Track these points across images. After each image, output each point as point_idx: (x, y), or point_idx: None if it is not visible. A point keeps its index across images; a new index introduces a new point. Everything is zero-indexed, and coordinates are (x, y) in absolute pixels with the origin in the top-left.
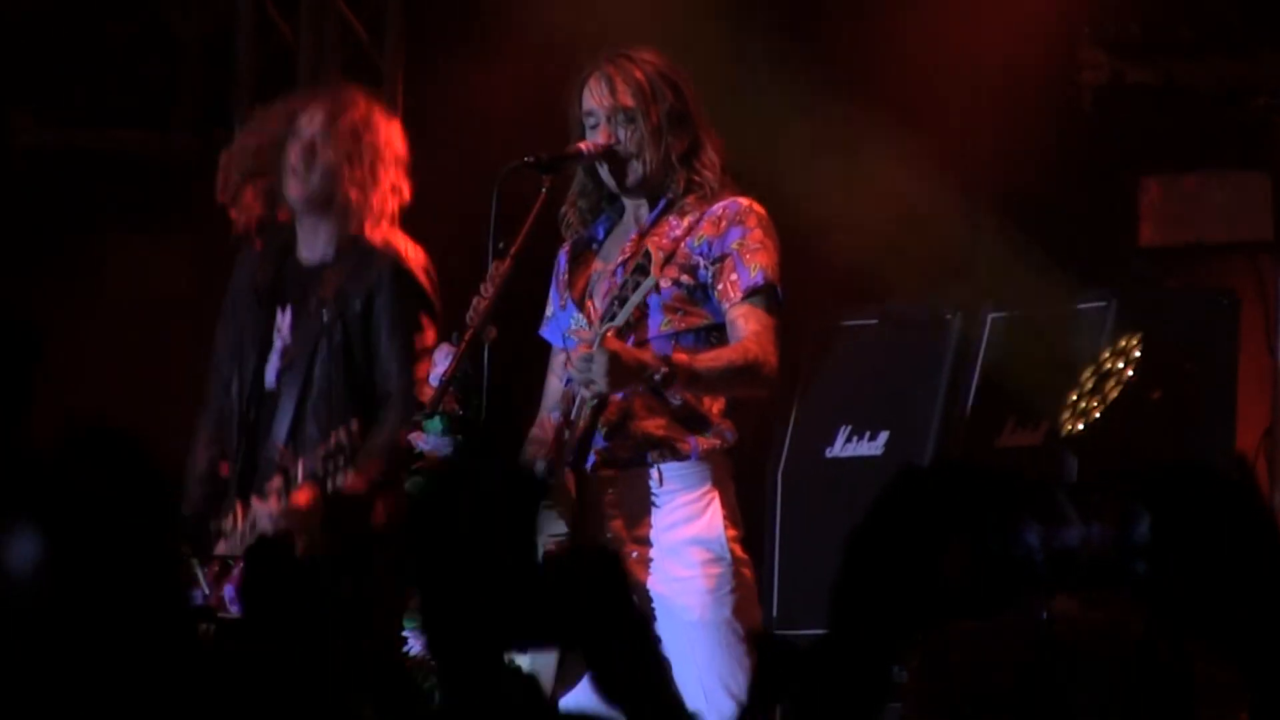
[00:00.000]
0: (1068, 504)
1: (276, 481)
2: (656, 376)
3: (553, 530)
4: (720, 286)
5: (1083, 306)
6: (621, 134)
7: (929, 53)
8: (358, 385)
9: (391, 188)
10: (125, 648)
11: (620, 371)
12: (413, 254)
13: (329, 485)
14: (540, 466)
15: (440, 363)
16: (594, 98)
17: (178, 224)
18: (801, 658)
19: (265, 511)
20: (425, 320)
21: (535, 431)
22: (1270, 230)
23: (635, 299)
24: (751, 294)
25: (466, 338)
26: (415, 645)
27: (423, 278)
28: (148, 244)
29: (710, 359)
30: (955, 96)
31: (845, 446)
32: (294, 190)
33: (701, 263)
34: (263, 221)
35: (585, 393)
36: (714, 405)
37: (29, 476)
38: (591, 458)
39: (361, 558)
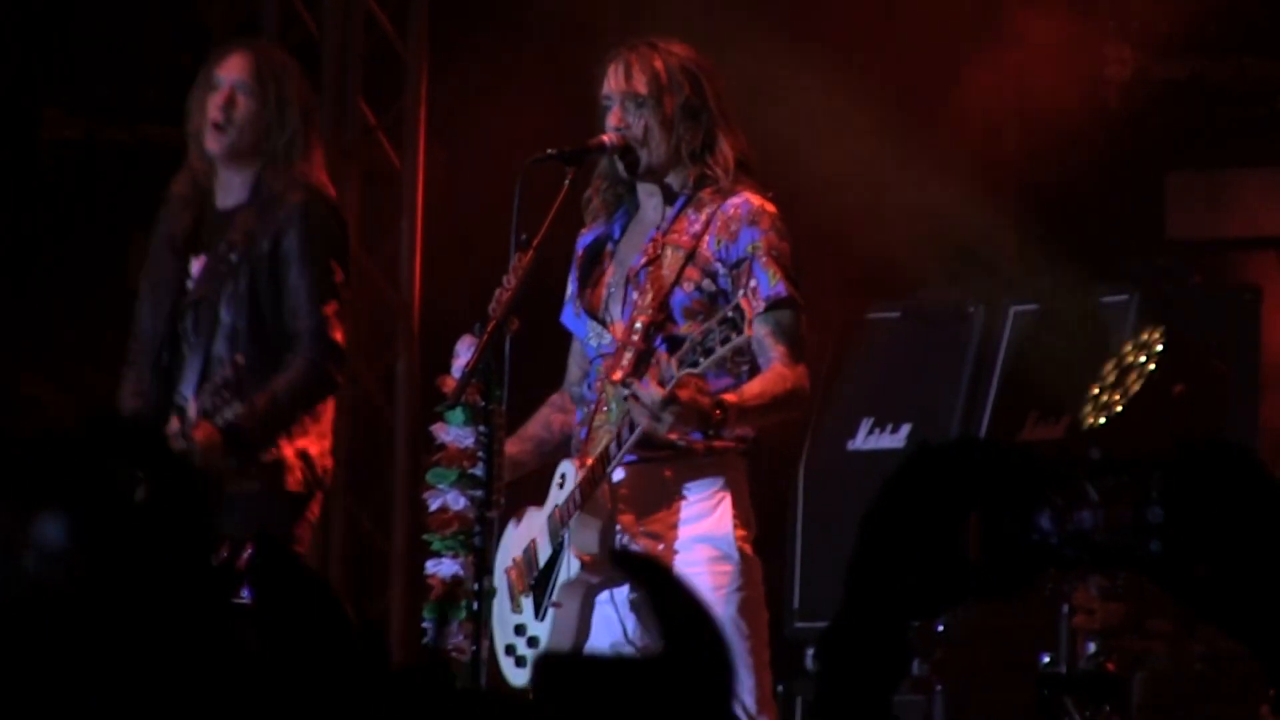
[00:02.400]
0: (1087, 485)
1: (174, 424)
2: (712, 422)
3: (583, 542)
4: (741, 293)
5: (1105, 300)
6: (631, 119)
7: (954, 47)
8: (263, 327)
9: (307, 134)
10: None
11: (686, 419)
12: (326, 194)
13: (219, 420)
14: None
15: (463, 354)
16: (611, 81)
17: None
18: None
19: None
20: (333, 262)
21: (556, 399)
22: None
23: (722, 353)
24: (774, 306)
25: (489, 329)
26: (431, 636)
27: (333, 218)
28: None
29: (756, 396)
30: (980, 90)
31: (868, 439)
32: (213, 143)
33: (720, 269)
34: (185, 173)
35: (644, 424)
36: None
37: (57, 462)
38: (620, 473)
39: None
